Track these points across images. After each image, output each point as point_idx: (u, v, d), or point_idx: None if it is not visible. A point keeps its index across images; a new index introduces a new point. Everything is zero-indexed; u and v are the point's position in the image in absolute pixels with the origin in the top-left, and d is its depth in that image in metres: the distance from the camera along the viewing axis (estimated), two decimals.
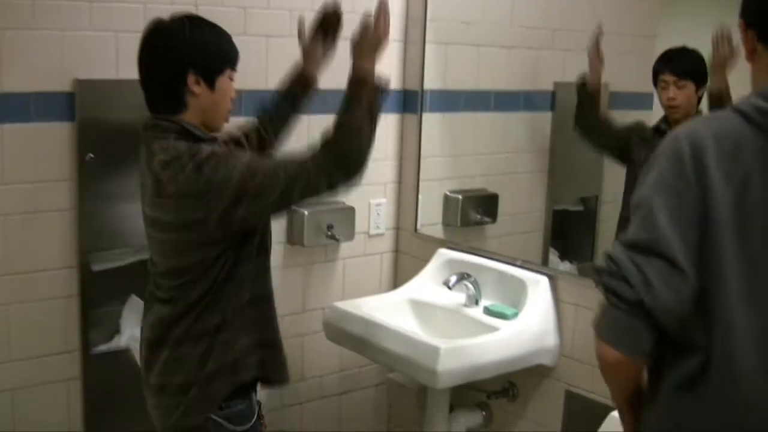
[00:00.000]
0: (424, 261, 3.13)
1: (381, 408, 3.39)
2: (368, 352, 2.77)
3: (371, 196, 3.26)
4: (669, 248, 1.48)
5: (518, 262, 2.90)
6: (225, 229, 2.03)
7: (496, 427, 3.00)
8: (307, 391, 3.22)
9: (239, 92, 2.21)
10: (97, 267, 2.68)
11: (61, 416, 2.71)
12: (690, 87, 2.51)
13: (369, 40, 2.20)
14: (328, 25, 2.43)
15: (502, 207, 3.23)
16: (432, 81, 3.23)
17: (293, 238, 3.06)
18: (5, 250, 2.56)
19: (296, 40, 2.45)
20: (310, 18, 2.44)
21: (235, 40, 2.16)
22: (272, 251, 2.26)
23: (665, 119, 2.57)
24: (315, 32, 2.44)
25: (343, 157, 2.10)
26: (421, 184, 3.28)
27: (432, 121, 3.26)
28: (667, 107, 2.55)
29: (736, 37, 1.61)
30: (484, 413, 3.00)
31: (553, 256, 3.04)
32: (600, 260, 1.58)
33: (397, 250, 3.38)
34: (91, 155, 2.61)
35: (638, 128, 2.70)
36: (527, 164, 3.20)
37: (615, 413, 2.19)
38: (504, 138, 3.26)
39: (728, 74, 2.40)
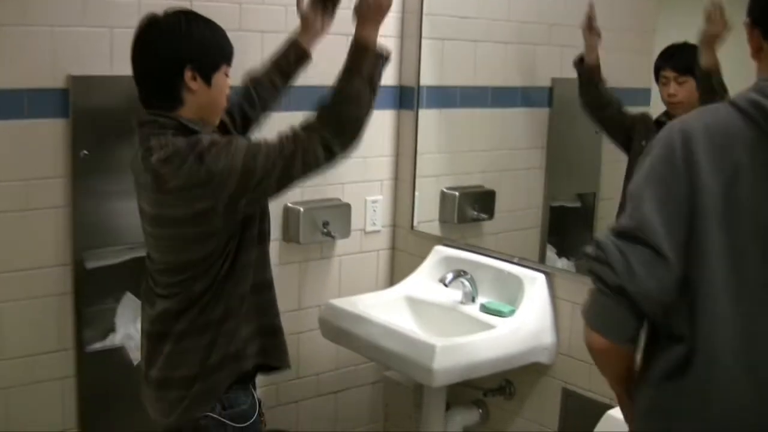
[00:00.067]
0: (421, 258, 3.12)
1: (377, 406, 3.37)
2: (364, 350, 2.76)
3: (367, 193, 3.25)
4: (653, 236, 1.50)
5: (515, 259, 2.89)
6: (232, 217, 2.03)
7: (492, 426, 2.99)
8: (303, 389, 3.21)
9: (233, 88, 2.20)
10: (91, 264, 2.66)
11: (55, 415, 2.69)
12: (691, 83, 2.49)
13: (372, 8, 2.19)
14: None
15: (499, 204, 3.21)
16: (428, 77, 3.21)
17: (289, 235, 3.04)
18: None
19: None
20: None
21: (230, 35, 2.15)
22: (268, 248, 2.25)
23: (667, 113, 2.56)
24: (314, 3, 2.43)
25: (341, 123, 2.10)
26: (417, 180, 3.26)
27: (428, 118, 3.24)
28: (668, 103, 2.54)
29: (728, 12, 1.62)
30: (480, 411, 2.99)
31: (551, 253, 3.03)
32: (589, 247, 1.60)
33: (393, 247, 3.37)
34: (85, 152, 2.59)
35: (643, 119, 2.68)
36: (524, 161, 3.19)
37: (612, 411, 2.19)
38: (501, 134, 3.24)
39: (718, 50, 2.38)
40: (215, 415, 2.13)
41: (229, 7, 2.78)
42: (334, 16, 2.48)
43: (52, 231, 2.61)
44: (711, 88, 2.37)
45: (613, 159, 2.85)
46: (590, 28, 2.75)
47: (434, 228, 3.27)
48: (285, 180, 2.06)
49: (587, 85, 2.77)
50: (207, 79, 2.06)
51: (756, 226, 1.48)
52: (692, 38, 2.46)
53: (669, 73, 2.52)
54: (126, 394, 2.69)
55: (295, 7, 2.51)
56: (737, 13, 1.69)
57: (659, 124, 2.55)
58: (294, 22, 2.66)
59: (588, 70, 2.75)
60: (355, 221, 3.19)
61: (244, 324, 2.15)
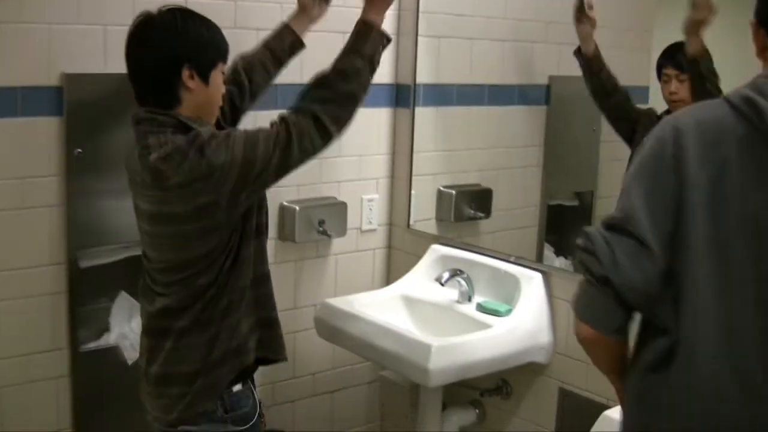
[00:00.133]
0: (417, 257, 3.11)
1: (374, 406, 3.37)
2: (360, 350, 2.75)
3: (363, 192, 3.23)
4: (639, 228, 1.52)
5: (512, 258, 2.87)
6: (234, 211, 2.03)
7: (489, 426, 2.98)
8: (299, 388, 3.20)
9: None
10: (85, 264, 2.65)
11: (49, 414, 2.68)
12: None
13: None
14: None
15: (496, 202, 3.20)
16: (425, 75, 3.20)
17: (284, 233, 3.03)
18: None
19: None
20: None
21: (225, 33, 2.14)
22: None
23: (669, 111, 2.54)
24: None
25: (339, 100, 2.12)
26: (414, 179, 3.25)
27: (425, 116, 3.23)
28: (670, 101, 2.53)
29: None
30: (477, 411, 2.98)
31: (548, 252, 3.01)
32: (579, 239, 1.63)
33: (389, 246, 3.36)
34: (80, 150, 2.58)
35: (648, 114, 2.67)
36: (522, 159, 3.17)
37: (608, 412, 2.18)
38: (498, 132, 3.23)
39: (703, 35, 2.37)
40: (217, 418, 2.12)
41: (225, 4, 2.77)
42: (330, 2, 2.50)
43: (46, 230, 2.60)
44: (700, 74, 2.37)
45: (610, 157, 2.84)
46: (580, 18, 2.73)
47: (431, 227, 3.26)
48: (284, 168, 2.07)
49: (589, 75, 2.74)
50: (204, 78, 2.04)
51: (742, 221, 1.48)
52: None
53: (670, 71, 2.51)
54: (120, 394, 2.68)
55: (290, 5, 2.50)
56: (739, 14, 1.70)
57: (660, 120, 2.54)
58: None
59: (587, 60, 2.73)
60: (351, 220, 3.18)
61: (244, 318, 2.15)
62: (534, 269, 2.78)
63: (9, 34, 2.45)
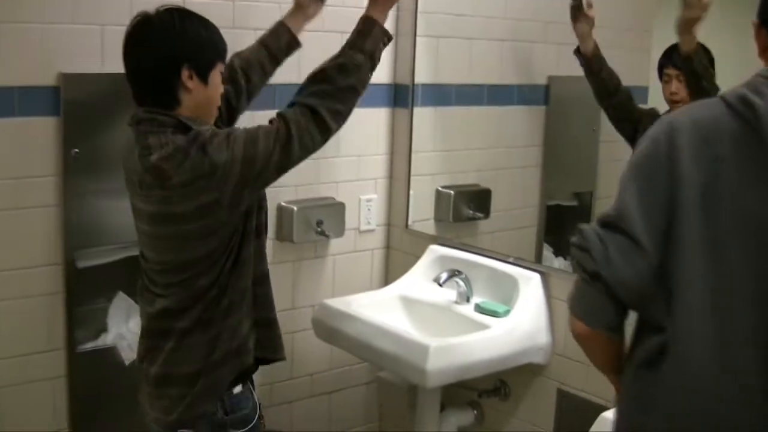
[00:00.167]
0: (416, 257, 3.10)
1: (372, 407, 3.36)
2: (358, 351, 2.74)
3: (362, 192, 3.23)
4: (631, 225, 1.53)
5: (510, 259, 2.86)
6: (236, 209, 2.02)
7: (487, 427, 2.98)
8: (297, 389, 3.19)
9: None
10: (82, 264, 2.64)
11: (46, 415, 2.67)
12: None
13: None
14: None
15: (495, 202, 3.19)
16: (423, 75, 3.19)
17: (282, 234, 3.02)
18: None
19: None
20: None
21: (223, 33, 2.13)
22: None
23: (670, 111, 2.54)
24: None
25: (339, 93, 2.11)
26: (412, 179, 3.25)
27: (423, 116, 3.22)
28: (670, 101, 2.52)
29: None
30: (475, 412, 2.97)
31: (547, 252, 3.01)
32: (574, 236, 1.64)
33: (388, 247, 3.35)
34: (77, 150, 2.57)
35: (650, 114, 2.66)
36: (521, 159, 3.17)
37: (607, 413, 2.17)
38: (497, 132, 3.22)
39: (696, 33, 2.36)
40: (217, 420, 2.12)
41: (223, 4, 2.76)
42: (326, 0, 2.49)
43: (43, 230, 2.59)
44: (694, 72, 2.37)
45: (610, 157, 2.83)
46: (577, 18, 2.72)
47: (429, 227, 3.25)
48: (285, 164, 2.06)
49: (590, 74, 2.74)
50: (203, 78, 2.04)
51: (737, 219, 1.48)
52: None
53: (671, 71, 2.50)
54: (118, 395, 2.68)
55: (288, 4, 2.50)
56: (739, 14, 1.72)
57: None
58: None
59: (587, 60, 2.72)
60: (350, 220, 3.17)
61: (245, 318, 2.15)
62: (532, 270, 2.77)
63: (6, 33, 2.44)
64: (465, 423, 2.96)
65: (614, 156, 2.72)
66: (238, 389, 2.17)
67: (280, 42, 2.47)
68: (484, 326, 2.67)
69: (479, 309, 2.78)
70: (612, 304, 1.58)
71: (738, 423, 1.49)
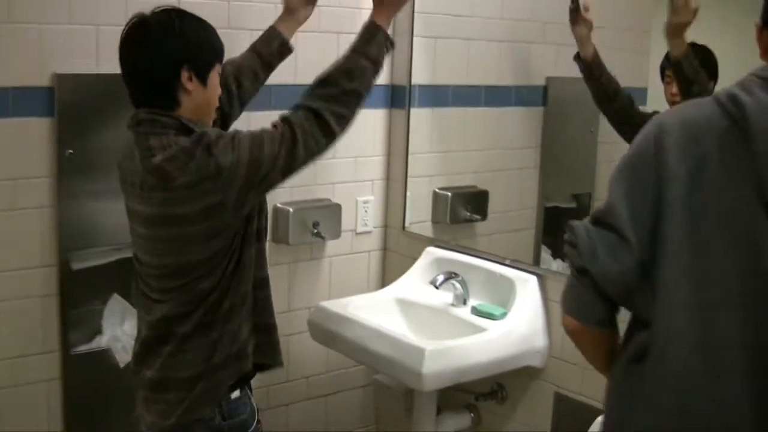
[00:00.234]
0: (413, 259, 3.08)
1: (368, 410, 3.34)
2: (353, 353, 2.73)
3: (358, 193, 3.21)
4: (618, 221, 1.55)
5: (507, 261, 2.85)
6: (240, 211, 2.01)
7: (484, 430, 2.96)
8: (293, 391, 3.18)
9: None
10: (77, 266, 2.63)
11: (40, 417, 2.66)
12: None
13: None
14: None
15: (493, 204, 3.18)
16: (420, 75, 3.18)
17: (278, 235, 3.01)
18: None
19: None
20: None
21: (219, 34, 2.11)
22: None
23: None
24: None
25: (344, 97, 2.10)
26: (409, 180, 3.23)
27: (420, 117, 3.21)
28: (672, 103, 2.51)
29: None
30: (472, 415, 2.95)
31: (545, 254, 2.99)
32: (566, 233, 1.67)
33: (385, 248, 3.33)
34: (71, 151, 2.57)
35: (651, 117, 2.65)
36: (518, 160, 3.15)
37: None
38: (494, 134, 3.21)
39: (686, 37, 2.36)
40: (214, 426, 2.10)
41: (218, 4, 2.75)
42: (316, 3, 2.48)
43: (37, 231, 2.58)
44: (685, 76, 2.36)
45: (608, 159, 2.82)
46: (576, 21, 2.71)
47: (426, 229, 3.24)
48: (290, 167, 2.04)
49: (590, 79, 2.73)
50: (202, 79, 2.02)
51: (721, 216, 1.48)
52: (691, 38, 2.43)
53: (672, 73, 2.49)
54: (112, 397, 2.67)
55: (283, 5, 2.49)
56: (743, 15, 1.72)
57: None
58: None
59: (587, 65, 2.71)
60: (346, 222, 3.16)
61: (245, 322, 2.13)
62: (529, 272, 2.76)
63: (0, 34, 2.42)
64: (462, 426, 2.94)
65: (613, 157, 2.69)
66: (236, 394, 2.14)
67: (272, 47, 2.45)
68: (480, 329, 2.66)
69: (476, 311, 2.77)
70: (600, 300, 1.60)
71: (722, 422, 1.49)
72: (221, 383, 2.10)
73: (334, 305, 2.81)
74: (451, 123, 3.26)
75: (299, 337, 3.05)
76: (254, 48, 2.45)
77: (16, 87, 2.47)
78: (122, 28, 2.05)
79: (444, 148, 3.28)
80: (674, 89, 2.48)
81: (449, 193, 3.18)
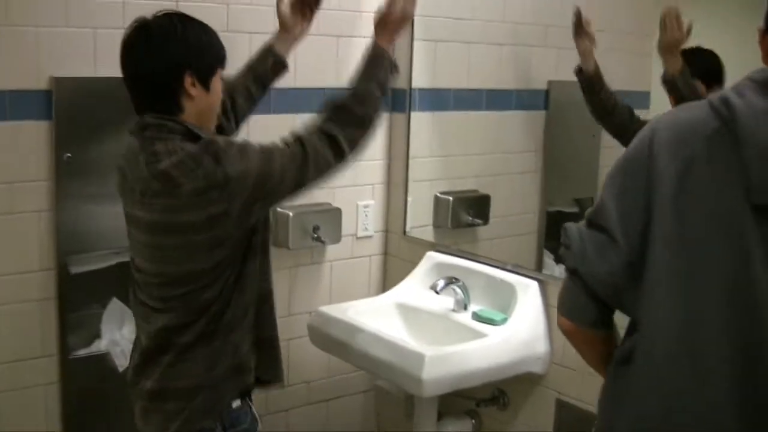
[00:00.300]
0: (414, 264, 3.06)
1: (369, 415, 3.32)
2: (353, 359, 2.71)
3: (359, 198, 3.19)
4: (608, 221, 1.56)
5: (508, 266, 2.83)
6: (244, 223, 1.98)
7: None
8: (294, 397, 3.16)
9: None
10: (75, 269, 2.62)
11: (39, 421, 2.65)
12: (699, 87, 2.43)
13: (394, 20, 2.21)
14: (308, 1, 2.40)
15: (494, 209, 3.16)
16: (421, 79, 3.16)
17: (278, 240, 2.99)
18: None
19: None
20: None
21: None
22: None
23: None
24: (294, 5, 2.40)
25: (354, 123, 2.10)
26: (410, 185, 3.22)
27: (421, 121, 3.20)
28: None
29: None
30: (473, 421, 2.93)
31: (548, 259, 2.96)
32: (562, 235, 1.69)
33: (386, 253, 3.32)
34: (69, 155, 2.56)
35: None
36: (520, 165, 3.13)
37: None
38: (496, 138, 3.19)
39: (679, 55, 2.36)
40: None
41: (217, 7, 2.74)
42: (313, 22, 2.45)
43: (36, 235, 2.58)
44: (680, 94, 2.35)
45: (611, 163, 2.76)
46: (579, 34, 2.69)
47: (428, 233, 3.22)
48: (298, 185, 2.03)
49: (590, 94, 2.72)
50: (205, 84, 2.00)
51: (707, 217, 1.48)
52: (693, 41, 2.41)
53: None
54: (111, 401, 2.66)
55: None
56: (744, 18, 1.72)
57: None
58: None
59: (587, 79, 2.70)
60: (346, 226, 3.14)
61: (247, 335, 2.11)
62: (530, 277, 2.74)
63: None
64: None
65: (615, 161, 2.68)
66: (236, 404, 2.11)
67: (266, 65, 2.42)
68: (481, 334, 2.63)
69: (476, 317, 2.75)
70: (592, 301, 1.61)
71: (708, 425, 1.48)
72: (222, 396, 2.08)
73: (334, 310, 2.79)
74: (452, 127, 3.24)
75: (300, 342, 3.03)
76: (249, 65, 2.43)
77: (13, 90, 2.47)
78: (120, 31, 2.03)
79: (445, 152, 3.26)
80: None
81: (450, 198, 3.17)
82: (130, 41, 2.00)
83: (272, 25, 2.59)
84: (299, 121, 2.88)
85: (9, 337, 2.57)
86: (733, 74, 2.26)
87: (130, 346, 2.24)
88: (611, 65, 2.68)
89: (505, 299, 2.75)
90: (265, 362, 2.19)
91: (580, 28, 2.69)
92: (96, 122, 2.57)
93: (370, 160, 3.19)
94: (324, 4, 2.46)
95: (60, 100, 2.52)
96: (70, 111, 2.54)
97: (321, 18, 2.57)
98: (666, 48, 2.38)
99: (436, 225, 3.22)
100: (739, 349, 1.44)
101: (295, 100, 2.47)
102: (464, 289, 2.81)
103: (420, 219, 3.23)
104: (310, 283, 3.14)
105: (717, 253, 1.46)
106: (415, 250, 3.13)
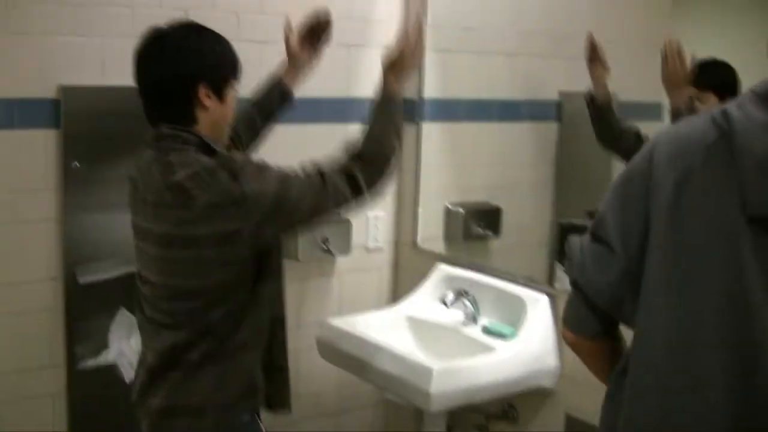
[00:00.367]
0: (424, 276, 3.03)
1: (379, 429, 3.29)
2: (361, 372, 2.68)
3: (369, 209, 3.16)
4: (607, 232, 1.57)
5: (518, 279, 2.80)
6: (255, 244, 1.95)
7: None
8: (302, 410, 3.10)
9: None
10: (84, 279, 2.61)
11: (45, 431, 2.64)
12: (712, 100, 2.40)
13: (404, 60, 2.20)
14: (318, 32, 2.39)
15: (506, 221, 3.13)
16: (431, 89, 3.14)
17: (288, 251, 2.92)
18: None
19: None
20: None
21: None
22: None
23: None
24: (303, 38, 2.37)
25: (372, 163, 2.08)
26: (420, 196, 3.20)
27: (431, 131, 3.18)
28: None
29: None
30: None
31: (560, 272, 2.93)
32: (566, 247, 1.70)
33: (396, 265, 3.29)
34: (77, 163, 2.56)
35: None
36: (532, 176, 3.11)
37: None
38: (507, 149, 3.17)
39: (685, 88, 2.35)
40: None
41: (227, 17, 2.73)
42: (321, 55, 2.45)
43: (43, 244, 2.58)
44: None
45: None
46: (592, 60, 2.67)
47: (438, 245, 3.19)
48: (313, 214, 2.01)
49: (599, 122, 2.71)
50: (219, 96, 1.98)
51: (703, 228, 1.47)
52: (703, 50, 2.40)
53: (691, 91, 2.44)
54: (118, 412, 2.63)
55: (293, 16, 2.45)
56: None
57: None
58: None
59: (598, 108, 2.69)
60: (356, 238, 3.11)
61: (258, 360, 2.07)
62: (540, 291, 2.70)
63: (6, 45, 2.43)
64: None
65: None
66: (246, 418, 2.09)
67: (272, 97, 2.42)
68: (490, 348, 2.60)
69: (486, 330, 2.72)
70: (593, 312, 1.61)
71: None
72: (233, 415, 2.04)
73: (343, 323, 2.77)
74: (464, 138, 3.22)
75: (309, 355, 2.99)
76: (255, 96, 2.42)
77: (21, 98, 2.48)
78: (129, 40, 2.02)
79: (456, 164, 3.24)
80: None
81: (461, 209, 3.14)
82: (144, 51, 1.99)
83: (282, 34, 2.58)
84: (309, 131, 2.91)
85: (16, 346, 2.57)
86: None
87: (138, 357, 2.22)
88: (622, 76, 2.66)
89: (515, 313, 2.72)
90: (275, 388, 2.16)
91: (593, 54, 2.67)
92: (104, 131, 2.57)
93: None
94: (334, 14, 2.44)
95: (68, 109, 2.52)
96: (78, 120, 2.54)
97: (332, 27, 2.56)
98: (669, 82, 2.37)
99: (447, 237, 3.19)
100: (733, 359, 1.43)
101: (305, 109, 2.45)
102: (474, 302, 2.79)
103: (430, 231, 3.20)
104: (320, 294, 3.12)
105: (713, 263, 1.45)
106: (426, 262, 3.10)
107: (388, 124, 2.15)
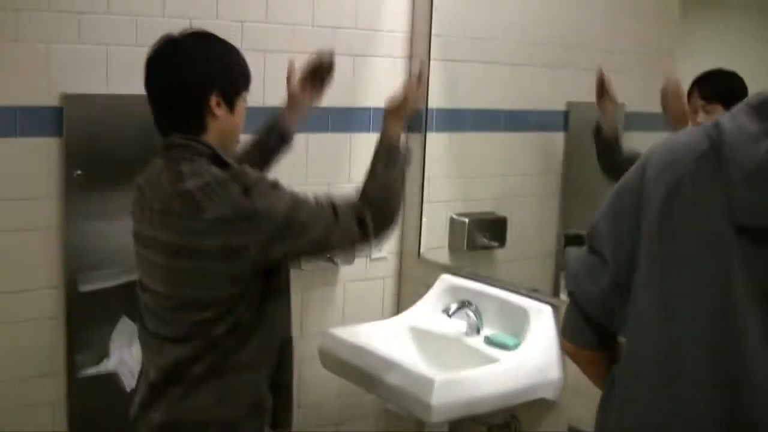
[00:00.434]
0: (428, 286, 3.02)
1: None
2: (363, 382, 2.66)
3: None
4: (600, 243, 1.59)
5: (522, 290, 2.78)
6: (263, 262, 1.92)
7: None
8: (304, 420, 3.10)
9: None
10: (85, 287, 2.61)
11: None
12: (719, 110, 2.38)
13: (407, 105, 2.22)
14: (321, 73, 2.39)
15: (512, 231, 3.11)
16: (438, 99, 3.13)
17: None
18: None
19: (296, 55, 2.40)
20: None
21: None
22: None
23: None
24: (305, 79, 2.38)
25: (381, 216, 2.07)
26: (425, 206, 3.18)
27: (437, 141, 3.16)
28: None
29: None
30: None
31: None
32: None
33: (400, 275, 3.28)
34: (79, 172, 2.55)
35: None
36: (538, 187, 3.10)
37: None
38: (514, 159, 3.15)
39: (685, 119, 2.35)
40: None
41: (231, 25, 2.71)
42: (323, 95, 2.43)
43: (44, 252, 2.58)
44: None
45: None
46: (601, 95, 2.68)
47: (443, 255, 3.18)
48: (319, 245, 1.99)
49: (604, 154, 2.71)
50: (230, 105, 1.97)
51: (691, 238, 1.48)
52: (712, 60, 2.39)
53: (697, 102, 2.43)
54: (118, 422, 2.61)
55: (300, 26, 2.44)
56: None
57: None
58: (299, 42, 2.59)
59: (604, 140, 2.70)
60: None
61: (264, 378, 2.05)
62: (543, 302, 2.69)
63: (8, 53, 2.43)
64: None
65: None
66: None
67: (271, 137, 2.41)
68: (493, 359, 2.59)
69: (489, 341, 2.71)
70: (587, 322, 1.64)
71: None
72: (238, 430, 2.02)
73: (345, 333, 2.75)
74: (469, 148, 3.21)
75: (311, 364, 2.98)
76: (254, 139, 2.41)
77: (24, 106, 2.48)
78: (132, 48, 2.04)
79: (461, 173, 3.22)
80: (699, 119, 2.41)
81: (467, 220, 3.12)
82: (156, 59, 1.98)
83: (288, 43, 2.59)
84: (314, 141, 2.90)
85: (16, 354, 2.56)
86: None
87: (139, 367, 2.20)
88: (627, 87, 2.64)
89: (518, 324, 2.70)
90: (279, 407, 2.13)
91: (602, 89, 2.67)
92: (107, 140, 2.56)
93: None
94: (341, 24, 2.44)
95: (71, 117, 2.52)
96: (80, 128, 2.54)
97: (337, 37, 2.56)
98: (676, 118, 2.38)
99: (452, 247, 3.17)
100: (721, 371, 1.44)
101: (311, 119, 2.44)
102: (477, 312, 2.77)
103: (435, 241, 3.19)
104: (323, 304, 3.11)
105: (702, 275, 1.46)
106: (430, 272, 3.09)
107: (394, 172, 2.14)
